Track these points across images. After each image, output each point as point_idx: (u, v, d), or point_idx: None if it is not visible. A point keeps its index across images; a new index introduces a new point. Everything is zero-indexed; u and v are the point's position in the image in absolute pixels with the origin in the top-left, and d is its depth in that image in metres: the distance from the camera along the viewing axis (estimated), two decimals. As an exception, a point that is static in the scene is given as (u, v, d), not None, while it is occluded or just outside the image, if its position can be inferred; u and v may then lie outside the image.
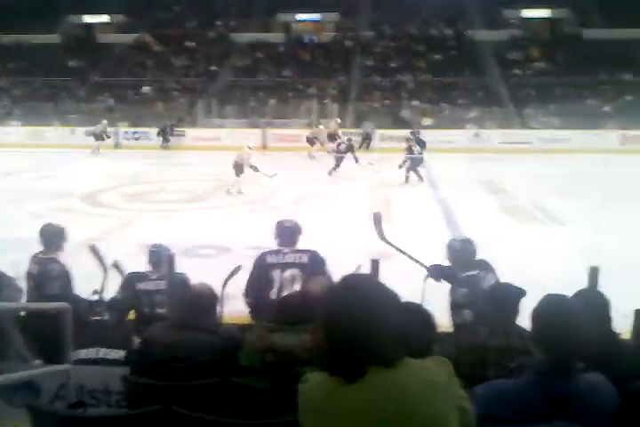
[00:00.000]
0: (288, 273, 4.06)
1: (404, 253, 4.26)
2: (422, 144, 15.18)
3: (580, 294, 2.72)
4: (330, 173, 15.50)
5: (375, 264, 3.51)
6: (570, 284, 3.09)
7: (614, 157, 18.16)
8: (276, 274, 4.11)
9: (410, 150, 14.49)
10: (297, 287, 3.84)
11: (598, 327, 2.53)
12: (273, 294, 4.04)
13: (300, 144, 21.46)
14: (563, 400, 1.77)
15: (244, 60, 28.82)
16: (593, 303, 2.62)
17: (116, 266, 4.51)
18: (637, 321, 2.95)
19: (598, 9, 28.51)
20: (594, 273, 3.29)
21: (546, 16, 30.30)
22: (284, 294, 3.95)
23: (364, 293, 1.43)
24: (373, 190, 13.44)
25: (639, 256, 4.00)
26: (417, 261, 4.23)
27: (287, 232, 4.32)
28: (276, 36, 30.20)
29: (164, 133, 22.44)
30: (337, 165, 15.72)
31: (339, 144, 16.60)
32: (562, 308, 1.85)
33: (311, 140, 20.01)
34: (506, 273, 3.91)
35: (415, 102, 24.82)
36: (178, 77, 27.51)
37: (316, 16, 31.80)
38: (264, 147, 22.00)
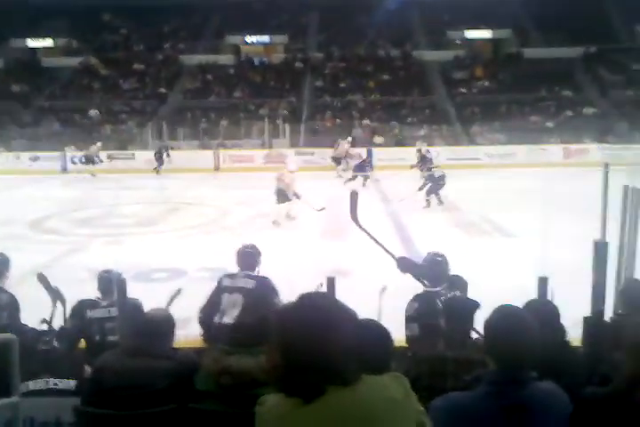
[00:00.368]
0: (232, 297, 4.10)
1: (375, 240, 4.24)
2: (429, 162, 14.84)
3: (529, 304, 2.79)
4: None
5: (331, 282, 3.50)
6: (521, 294, 3.16)
7: (558, 171, 18.86)
8: (224, 297, 4.16)
9: (429, 171, 13.58)
10: (236, 312, 3.87)
11: (548, 336, 2.59)
12: (217, 318, 4.08)
13: (253, 164, 21.49)
14: (517, 409, 1.80)
15: (194, 82, 28.76)
16: (542, 313, 2.68)
17: (41, 279, 4.33)
18: (586, 328, 3.03)
19: (537, 29, 29.84)
20: (542, 283, 3.38)
21: (488, 36, 31.49)
22: (226, 317, 3.97)
23: (319, 311, 1.42)
24: (327, 208, 13.49)
25: (585, 266, 4.15)
26: (387, 251, 4.23)
27: (243, 257, 4.38)
28: (225, 58, 30.30)
29: (160, 157, 21.54)
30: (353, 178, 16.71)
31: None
32: (512, 318, 1.89)
33: (337, 160, 20.24)
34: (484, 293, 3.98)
35: (366, 121, 25.22)
36: (126, 100, 27.18)
37: (264, 38, 32.12)
38: (216, 168, 21.91)
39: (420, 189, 13.39)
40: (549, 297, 3.44)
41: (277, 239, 10.02)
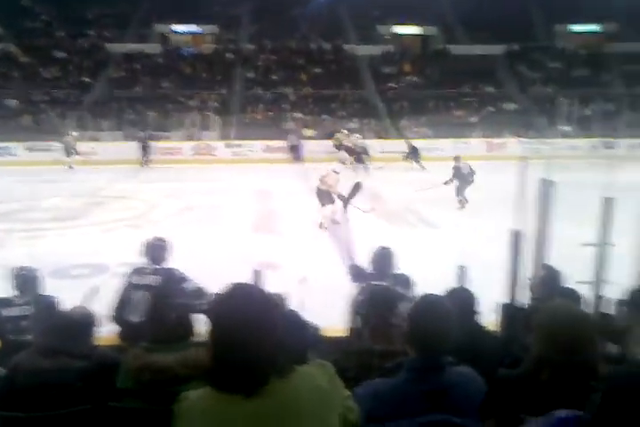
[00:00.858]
0: (140, 295, 4.03)
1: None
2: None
3: (449, 292, 2.87)
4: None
5: (258, 275, 3.48)
6: (443, 283, 3.26)
7: (481, 164, 19.56)
8: (133, 294, 4.08)
9: (458, 170, 12.94)
10: (146, 309, 3.80)
11: (466, 322, 2.69)
12: (130, 316, 4.00)
13: (182, 157, 21.05)
14: (436, 394, 1.85)
15: (120, 71, 27.77)
16: (461, 300, 2.78)
17: None
18: (502, 314, 3.16)
19: (462, 26, 30.72)
20: (462, 272, 3.48)
21: (416, 33, 32.14)
22: (138, 315, 3.90)
23: (253, 303, 1.40)
24: (256, 201, 13.43)
25: (503, 256, 4.35)
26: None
27: (152, 249, 4.28)
28: (153, 47, 29.43)
29: (145, 146, 20.67)
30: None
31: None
32: (430, 307, 1.94)
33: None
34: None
35: (297, 114, 25.21)
36: (47, 89, 25.90)
37: (194, 28, 31.43)
38: (143, 160, 21.33)
39: (446, 183, 12.78)
40: (468, 285, 3.56)
41: (206, 233, 9.88)
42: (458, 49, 29.63)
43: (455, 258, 4.70)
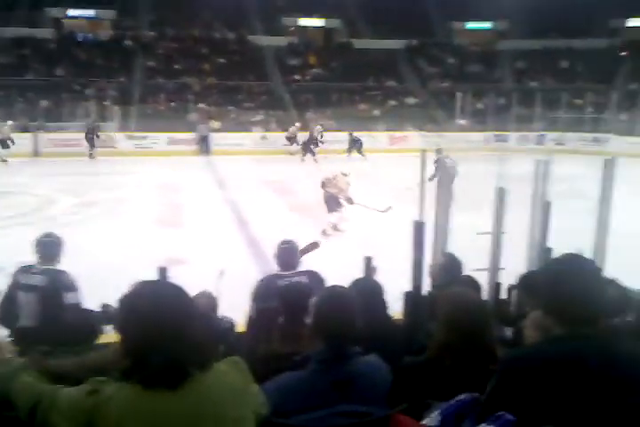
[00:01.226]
0: (28, 296, 3.82)
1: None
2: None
3: (355, 282, 2.93)
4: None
5: (163, 271, 3.39)
6: (352, 274, 3.33)
7: (384, 156, 20.15)
8: (20, 296, 3.85)
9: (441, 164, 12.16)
10: (36, 311, 3.63)
11: (372, 312, 2.76)
12: (21, 317, 3.78)
13: (78, 149, 19.98)
14: (344, 384, 1.89)
15: (8, 57, 25.83)
16: (367, 290, 2.85)
17: None
18: (406, 302, 3.27)
19: (365, 20, 31.28)
20: (368, 262, 3.57)
21: (320, 25, 32.36)
22: (27, 319, 3.71)
23: (163, 298, 1.39)
24: (160, 195, 13.05)
25: (408, 246, 4.52)
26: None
27: (43, 247, 4.02)
28: (44, 32, 27.61)
29: (92, 138, 19.60)
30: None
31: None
32: (336, 298, 1.97)
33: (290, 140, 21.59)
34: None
35: (202, 105, 24.67)
36: None
37: (89, 12, 29.80)
38: (36, 153, 20.04)
39: (431, 179, 12.25)
40: (375, 275, 3.67)
41: (108, 230, 9.48)
42: (361, 43, 30.18)
43: (362, 249, 4.82)
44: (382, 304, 2.93)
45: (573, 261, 1.70)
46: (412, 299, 3.31)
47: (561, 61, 29.37)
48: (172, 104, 24.65)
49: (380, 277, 3.56)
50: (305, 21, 31.83)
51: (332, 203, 9.87)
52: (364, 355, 2.02)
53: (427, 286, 3.92)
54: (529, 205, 5.00)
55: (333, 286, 2.07)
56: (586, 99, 25.19)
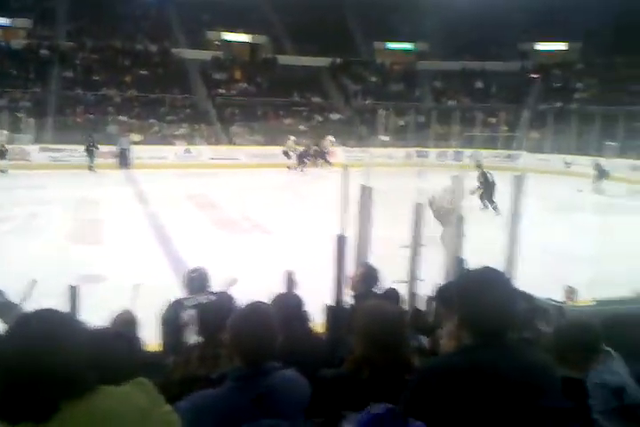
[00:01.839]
0: None
1: None
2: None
3: (275, 297, 2.92)
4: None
5: (73, 290, 3.25)
6: (275, 288, 3.32)
7: (310, 171, 20.37)
8: None
9: (484, 177, 12.93)
10: None
11: (293, 326, 2.76)
12: None
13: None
14: (262, 400, 1.87)
15: None
16: (288, 305, 2.84)
17: None
18: (328, 316, 3.29)
19: (290, 38, 31.62)
20: (289, 276, 3.56)
21: (245, 40, 32.41)
22: None
23: (42, 327, 1.32)
24: (77, 210, 12.53)
25: (330, 259, 4.58)
26: None
27: None
28: (-49, 39, 26.07)
29: (91, 151, 19.77)
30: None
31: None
32: (251, 314, 1.95)
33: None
34: (214, 284, 4.02)
35: (122, 118, 24.02)
36: None
37: (4, 21, 28.40)
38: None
39: (473, 192, 12.41)
40: (297, 289, 3.67)
41: (21, 246, 8.98)
42: (286, 59, 30.48)
43: (285, 263, 4.82)
44: (303, 318, 2.93)
45: (485, 273, 1.74)
46: (334, 312, 3.34)
47: (476, 82, 30.85)
48: (91, 116, 23.84)
49: (303, 291, 3.56)
50: (230, 36, 31.79)
51: (446, 218, 9.45)
52: (283, 369, 2.01)
53: (349, 299, 3.97)
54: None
55: (250, 302, 2.05)
56: (499, 118, 26.53)
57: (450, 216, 9.59)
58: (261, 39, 32.15)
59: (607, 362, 2.12)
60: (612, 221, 11.78)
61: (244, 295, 2.59)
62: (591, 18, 26.96)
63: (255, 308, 2.00)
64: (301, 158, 21.75)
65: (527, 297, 3.05)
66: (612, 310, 3.17)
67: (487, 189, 12.87)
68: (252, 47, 32.79)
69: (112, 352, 1.87)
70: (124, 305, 3.43)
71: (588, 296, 5.76)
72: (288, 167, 21.55)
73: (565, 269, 7.66)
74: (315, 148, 22.87)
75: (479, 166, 13.46)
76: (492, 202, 12.58)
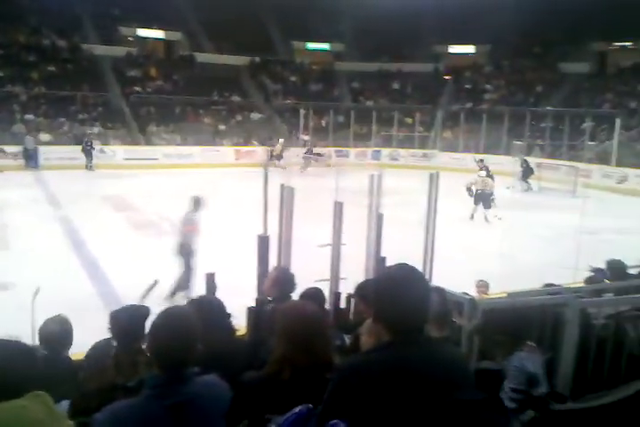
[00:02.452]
0: None
1: None
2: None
3: (196, 301, 2.86)
4: None
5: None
6: (198, 291, 3.24)
7: (230, 171, 20.12)
8: None
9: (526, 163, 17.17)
10: None
11: (214, 330, 2.71)
12: None
13: None
14: (181, 407, 1.82)
15: None
16: (208, 308, 2.78)
17: None
18: (249, 317, 3.26)
19: (207, 35, 31.04)
20: (209, 279, 3.51)
21: (160, 37, 31.50)
22: None
23: None
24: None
25: (253, 259, 4.54)
26: None
27: None
28: None
29: (88, 150, 20.15)
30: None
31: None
32: (169, 319, 1.89)
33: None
34: (135, 290, 3.89)
35: (29, 116, 22.73)
36: None
37: None
38: None
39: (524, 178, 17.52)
40: (218, 291, 3.61)
41: None
42: (204, 57, 29.94)
43: (208, 265, 4.74)
44: (223, 321, 2.88)
45: (401, 270, 1.75)
46: (255, 313, 3.31)
47: (392, 83, 31.61)
48: (-6, 115, 22.40)
49: (226, 293, 3.51)
50: (144, 32, 30.78)
51: (486, 199, 12.76)
52: (203, 375, 1.96)
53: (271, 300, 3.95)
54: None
55: (167, 308, 1.98)
56: (415, 118, 27.32)
57: (490, 198, 12.73)
58: (177, 36, 31.34)
59: (528, 351, 2.22)
60: (523, 217, 12.44)
61: (163, 299, 2.51)
62: (499, 22, 28.34)
63: (172, 312, 1.94)
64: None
65: (441, 292, 3.16)
66: (522, 301, 3.34)
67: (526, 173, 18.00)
68: (168, 44, 31.92)
69: (9, 366, 1.76)
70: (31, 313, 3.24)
71: (499, 289, 6.05)
72: (283, 168, 19.41)
73: (480, 264, 8.00)
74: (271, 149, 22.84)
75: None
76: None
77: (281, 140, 23.15)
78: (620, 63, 28.41)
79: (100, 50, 27.81)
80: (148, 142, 23.59)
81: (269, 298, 3.39)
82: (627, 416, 1.90)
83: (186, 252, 6.90)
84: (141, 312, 2.73)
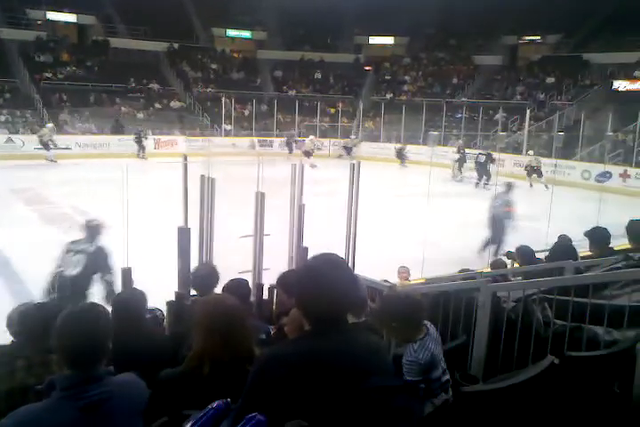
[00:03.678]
0: None
1: None
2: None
3: (115, 297, 2.76)
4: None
5: None
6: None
7: (151, 162, 19.54)
8: None
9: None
10: None
11: (131, 326, 2.63)
12: None
13: None
14: (94, 407, 1.76)
15: None
16: (125, 304, 2.70)
17: None
18: (169, 312, 3.19)
19: (122, 20, 29.76)
20: (126, 274, 3.41)
21: (72, 21, 29.93)
22: None
23: None
24: None
25: (174, 252, 4.45)
26: None
27: None
28: None
29: (140, 141, 20.93)
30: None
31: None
32: (76, 318, 1.81)
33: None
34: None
35: None
36: None
37: None
38: None
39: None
40: (137, 285, 3.49)
41: None
42: (119, 42, 28.77)
43: (127, 259, 4.58)
44: (141, 317, 2.80)
45: (321, 259, 1.74)
46: (176, 307, 3.24)
47: (315, 73, 31.67)
48: None
49: (146, 287, 3.39)
50: (54, 15, 29.12)
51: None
52: (119, 374, 1.91)
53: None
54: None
55: (75, 306, 1.89)
56: (338, 108, 27.54)
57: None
58: (90, 20, 29.90)
59: (424, 338, 2.27)
60: (444, 204, 12.86)
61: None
62: (417, 15, 29.01)
63: (81, 309, 1.86)
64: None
65: (363, 281, 3.21)
66: (440, 287, 3.46)
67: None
68: (80, 28, 30.40)
69: None
70: None
71: (420, 275, 6.24)
72: (311, 166, 18.33)
73: (403, 251, 8.20)
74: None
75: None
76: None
77: (311, 137, 22.69)
78: (530, 57, 29.84)
79: (6, 33, 26.13)
80: (61, 131, 22.45)
81: (195, 293, 3.29)
82: (532, 395, 2.01)
83: None
84: (51, 309, 2.60)
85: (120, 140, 21.94)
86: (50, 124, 20.03)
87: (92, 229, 4.79)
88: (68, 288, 4.35)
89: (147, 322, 2.81)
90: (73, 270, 4.48)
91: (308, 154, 21.42)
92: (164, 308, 3.59)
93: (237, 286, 3.19)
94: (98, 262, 4.51)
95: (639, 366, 2.27)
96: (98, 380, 1.76)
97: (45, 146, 19.11)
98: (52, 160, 18.92)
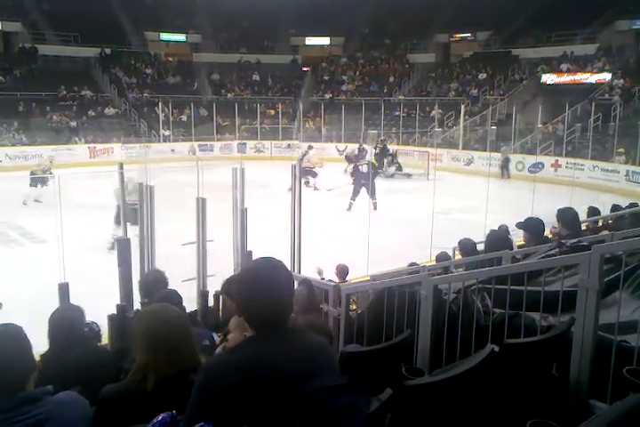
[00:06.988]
0: None
1: None
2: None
3: (52, 313, 2.66)
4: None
5: None
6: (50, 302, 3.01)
7: (86, 171, 18.90)
8: None
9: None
10: None
11: (70, 344, 2.55)
12: None
13: None
14: (34, 428, 1.69)
15: None
16: (63, 321, 2.61)
17: None
18: (111, 325, 3.10)
19: (50, 26, 28.63)
20: (63, 289, 3.30)
21: (-4, 28, 28.60)
22: None
23: None
24: None
25: (112, 263, 4.32)
26: None
27: None
28: None
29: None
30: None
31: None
32: (5, 340, 1.75)
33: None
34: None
35: None
36: None
37: None
38: None
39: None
40: (75, 301, 3.39)
41: None
42: (48, 49, 27.76)
43: (64, 273, 4.43)
44: (80, 332, 2.71)
45: (260, 264, 1.72)
46: (118, 321, 3.15)
47: (252, 75, 31.50)
48: None
49: (86, 302, 3.29)
50: (-24, 23, 27.78)
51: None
52: (58, 393, 1.84)
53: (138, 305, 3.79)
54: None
55: (3, 324, 1.82)
56: (277, 110, 27.51)
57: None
58: (16, 27, 28.67)
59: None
60: (385, 201, 13.05)
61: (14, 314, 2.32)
62: (352, 15, 29.33)
63: (5, 328, 1.79)
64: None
65: (307, 282, 3.23)
66: (383, 283, 3.51)
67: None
68: (6, 36, 29.11)
69: None
70: None
71: (365, 273, 6.31)
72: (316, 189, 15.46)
73: (348, 250, 8.26)
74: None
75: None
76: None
77: (312, 151, 18.32)
78: (462, 54, 30.67)
79: None
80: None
81: (141, 301, 3.18)
82: (475, 384, 2.07)
83: None
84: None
85: (57, 151, 21.14)
86: (47, 157, 17.96)
87: None
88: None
89: (85, 337, 2.72)
90: None
91: (313, 174, 16.12)
92: (106, 322, 3.49)
93: (167, 297, 3.06)
94: None
95: (575, 349, 2.37)
96: (34, 401, 1.70)
97: (39, 181, 17.73)
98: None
